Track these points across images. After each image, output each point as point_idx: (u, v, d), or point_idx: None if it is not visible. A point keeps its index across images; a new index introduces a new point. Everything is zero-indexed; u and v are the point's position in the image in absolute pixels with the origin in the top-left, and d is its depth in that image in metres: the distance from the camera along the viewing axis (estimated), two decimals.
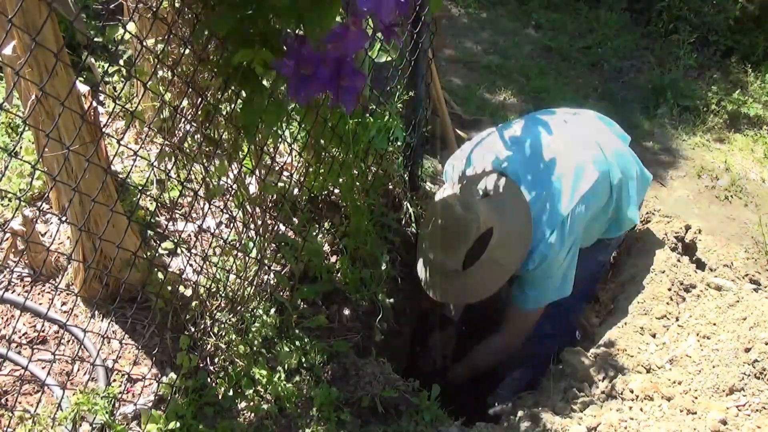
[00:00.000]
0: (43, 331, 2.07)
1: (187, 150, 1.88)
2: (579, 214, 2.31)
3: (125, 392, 1.93)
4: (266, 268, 2.23)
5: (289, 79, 1.35)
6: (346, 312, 2.43)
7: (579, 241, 2.37)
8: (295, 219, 2.51)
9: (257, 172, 2.12)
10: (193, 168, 1.93)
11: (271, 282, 2.27)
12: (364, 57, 2.25)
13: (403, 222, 2.76)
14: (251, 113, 1.69)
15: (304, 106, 1.46)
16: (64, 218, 2.10)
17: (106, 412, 1.84)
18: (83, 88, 1.88)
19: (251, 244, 2.18)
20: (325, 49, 1.34)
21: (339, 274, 2.46)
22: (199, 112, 1.81)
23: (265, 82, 1.62)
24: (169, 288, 2.11)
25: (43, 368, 1.97)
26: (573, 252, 2.36)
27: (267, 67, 1.47)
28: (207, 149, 1.88)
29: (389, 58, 2.37)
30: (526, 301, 2.43)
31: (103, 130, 2.00)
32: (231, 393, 2.00)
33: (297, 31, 1.46)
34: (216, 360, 2.05)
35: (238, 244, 2.16)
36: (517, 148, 2.37)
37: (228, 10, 1.45)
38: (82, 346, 2.03)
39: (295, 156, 2.40)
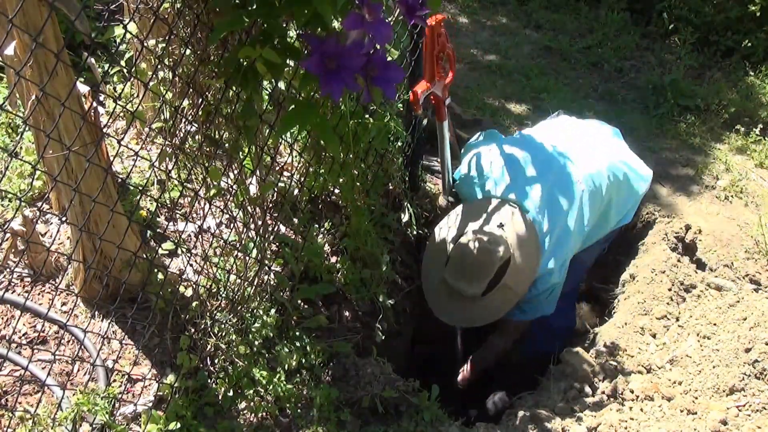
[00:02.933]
0: (43, 332, 2.07)
1: (188, 150, 1.88)
2: (576, 242, 2.50)
3: (125, 392, 1.93)
4: (266, 268, 2.23)
5: (320, 76, 1.36)
6: (347, 312, 2.43)
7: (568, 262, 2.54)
8: (295, 219, 2.50)
9: (257, 172, 2.12)
10: (193, 168, 1.93)
11: (272, 282, 2.27)
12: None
13: (404, 222, 2.76)
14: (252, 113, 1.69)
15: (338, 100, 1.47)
16: (64, 219, 2.10)
17: (106, 413, 1.84)
18: (83, 88, 1.88)
19: (251, 245, 2.18)
20: (345, 41, 1.35)
21: (339, 275, 2.46)
22: (200, 113, 1.81)
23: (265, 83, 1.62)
24: (170, 288, 2.11)
25: (43, 368, 1.97)
26: (564, 274, 2.51)
27: (270, 67, 1.47)
28: (208, 150, 1.88)
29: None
30: (521, 315, 2.57)
31: (104, 130, 2.00)
32: (231, 393, 2.00)
33: (307, 29, 1.46)
34: (216, 360, 2.05)
35: (238, 245, 2.16)
36: (520, 177, 2.48)
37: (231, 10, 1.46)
38: (82, 347, 2.03)
39: (295, 156, 2.40)
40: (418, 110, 2.38)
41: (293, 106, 1.55)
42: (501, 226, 2.32)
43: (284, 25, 1.59)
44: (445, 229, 2.45)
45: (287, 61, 1.63)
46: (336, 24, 1.52)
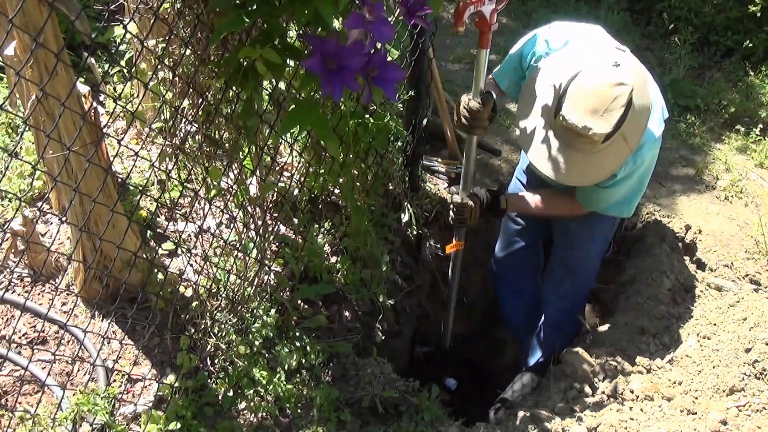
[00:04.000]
0: (43, 332, 2.07)
1: (188, 150, 1.88)
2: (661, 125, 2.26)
3: (125, 392, 1.93)
4: (266, 268, 2.23)
5: (321, 76, 1.35)
6: (347, 312, 2.43)
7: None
8: (295, 219, 2.51)
9: (257, 172, 2.13)
10: (193, 168, 1.93)
11: (272, 282, 2.27)
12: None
13: (404, 222, 2.76)
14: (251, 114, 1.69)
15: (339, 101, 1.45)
16: (64, 219, 2.10)
17: (106, 413, 1.84)
18: (84, 88, 1.88)
19: (251, 245, 2.18)
20: (345, 41, 1.35)
21: (339, 275, 2.46)
22: (200, 113, 1.81)
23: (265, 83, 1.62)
24: (170, 288, 2.11)
25: (43, 368, 1.97)
26: (654, 160, 2.29)
27: (270, 67, 1.47)
28: (208, 150, 1.88)
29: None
30: (597, 205, 2.36)
31: (104, 130, 2.00)
32: (231, 393, 2.00)
33: (308, 28, 1.46)
34: (216, 360, 2.05)
35: (238, 245, 2.16)
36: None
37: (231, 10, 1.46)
38: (82, 347, 2.03)
39: (295, 156, 2.40)
40: (460, 26, 2.07)
41: (293, 106, 1.55)
42: (617, 65, 2.07)
43: (284, 25, 1.59)
44: (550, 71, 2.16)
45: (287, 61, 1.63)
46: (337, 24, 1.52)
